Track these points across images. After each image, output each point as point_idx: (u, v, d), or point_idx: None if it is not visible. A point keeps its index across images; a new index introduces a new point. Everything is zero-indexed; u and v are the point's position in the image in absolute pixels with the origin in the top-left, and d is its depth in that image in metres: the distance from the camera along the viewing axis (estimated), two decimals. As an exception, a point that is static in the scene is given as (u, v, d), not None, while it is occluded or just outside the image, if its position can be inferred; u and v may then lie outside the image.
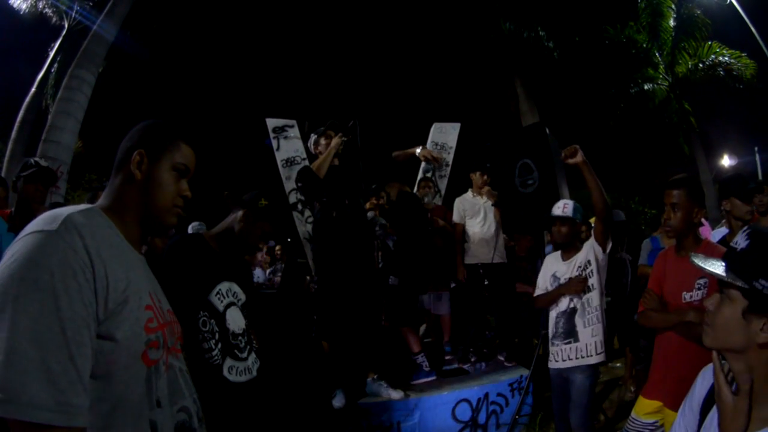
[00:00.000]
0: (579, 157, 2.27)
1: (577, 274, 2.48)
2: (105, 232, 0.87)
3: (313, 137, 3.25)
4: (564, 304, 2.52)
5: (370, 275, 3.07)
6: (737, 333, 0.88)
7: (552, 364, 2.55)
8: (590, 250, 2.47)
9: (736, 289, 0.89)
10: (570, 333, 2.48)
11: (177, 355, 0.98)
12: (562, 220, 2.56)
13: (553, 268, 2.63)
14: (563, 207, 2.58)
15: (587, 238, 2.77)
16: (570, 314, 2.49)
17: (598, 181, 2.29)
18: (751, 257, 0.89)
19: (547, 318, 3.26)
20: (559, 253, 2.68)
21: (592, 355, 2.40)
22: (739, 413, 0.86)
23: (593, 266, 2.44)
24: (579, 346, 2.43)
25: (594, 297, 2.44)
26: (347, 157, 3.16)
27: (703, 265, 0.96)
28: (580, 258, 2.51)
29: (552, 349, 2.56)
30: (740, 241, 0.93)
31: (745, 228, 0.96)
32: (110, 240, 0.87)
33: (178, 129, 1.06)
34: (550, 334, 2.58)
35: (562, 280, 2.54)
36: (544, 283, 2.66)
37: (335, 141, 3.05)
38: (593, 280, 2.44)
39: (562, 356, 2.49)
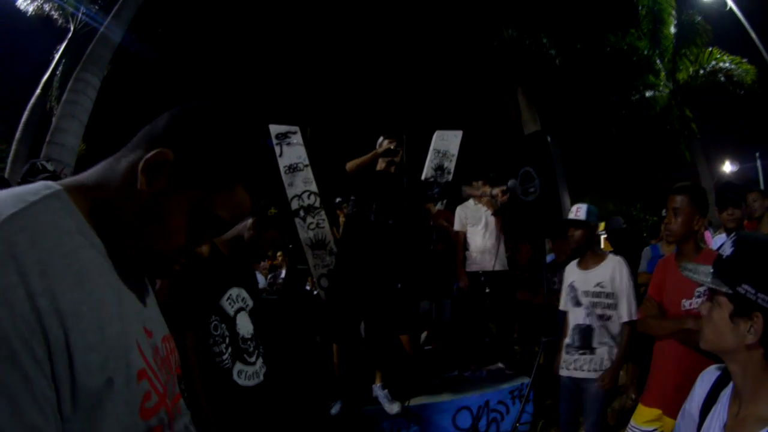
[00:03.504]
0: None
1: (596, 288, 2.42)
2: (67, 244, 0.51)
3: (381, 138, 3.24)
4: (581, 317, 2.46)
5: (385, 282, 3.06)
6: (728, 336, 0.93)
7: (564, 372, 2.49)
8: (613, 273, 2.40)
9: (722, 295, 0.95)
10: (585, 345, 2.43)
11: (179, 411, 0.67)
12: (575, 224, 2.50)
13: (571, 278, 2.57)
14: (576, 211, 2.53)
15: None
16: (586, 330, 2.44)
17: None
18: (734, 263, 0.95)
19: (548, 326, 3.28)
20: (576, 261, 2.61)
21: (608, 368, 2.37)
22: (747, 420, 0.90)
23: (615, 288, 2.38)
24: (594, 359, 2.39)
25: (616, 318, 2.38)
26: (399, 170, 3.15)
27: (692, 275, 1.03)
28: (600, 275, 2.43)
29: (566, 356, 2.50)
30: (726, 248, 0.99)
31: (732, 235, 1.02)
32: (77, 256, 0.51)
33: (253, 154, 0.66)
34: (566, 342, 2.53)
35: (581, 293, 2.47)
36: (564, 294, 2.60)
37: (382, 147, 3.05)
38: (614, 300, 2.38)
39: (575, 365, 2.44)
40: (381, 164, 3.08)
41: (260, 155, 0.67)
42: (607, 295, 2.39)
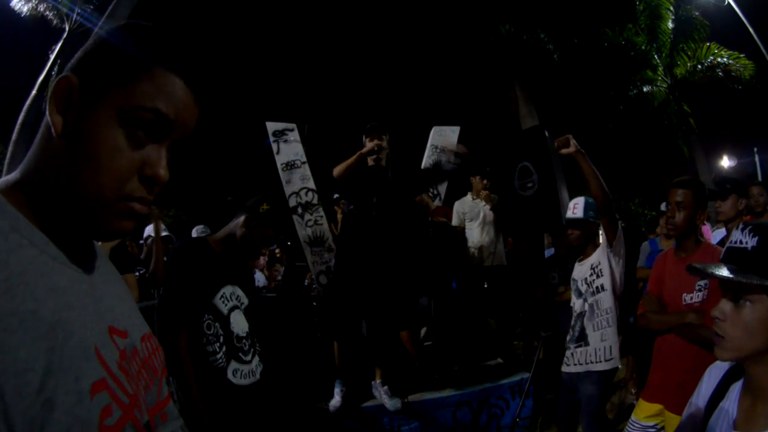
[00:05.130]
0: (572, 147, 2.20)
1: (589, 275, 2.39)
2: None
3: (364, 137, 3.23)
4: (579, 306, 2.44)
5: (384, 278, 3.04)
6: (761, 334, 0.86)
7: (564, 368, 2.46)
8: (602, 249, 2.36)
9: (758, 292, 0.86)
10: (581, 337, 2.39)
11: (164, 419, 0.59)
12: (572, 223, 2.47)
13: (573, 273, 2.55)
14: (573, 208, 2.49)
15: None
16: (581, 317, 2.41)
17: (595, 171, 2.18)
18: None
19: (548, 320, 3.28)
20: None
21: (600, 361, 2.27)
22: (759, 417, 0.87)
23: (603, 265, 2.32)
24: (588, 351, 2.33)
25: (604, 299, 2.32)
26: (389, 164, 3.15)
27: (714, 272, 0.91)
28: (593, 258, 2.40)
29: (567, 352, 2.47)
30: (746, 240, 0.91)
31: (741, 226, 0.95)
32: (8, 260, 0.43)
33: (164, 38, 0.54)
34: (568, 337, 2.50)
35: (580, 283, 2.46)
36: (572, 292, 2.57)
37: (367, 146, 3.04)
38: (602, 281, 2.32)
39: (573, 360, 2.40)
40: (370, 161, 3.09)
41: (172, 30, 0.56)
42: (599, 275, 2.34)
